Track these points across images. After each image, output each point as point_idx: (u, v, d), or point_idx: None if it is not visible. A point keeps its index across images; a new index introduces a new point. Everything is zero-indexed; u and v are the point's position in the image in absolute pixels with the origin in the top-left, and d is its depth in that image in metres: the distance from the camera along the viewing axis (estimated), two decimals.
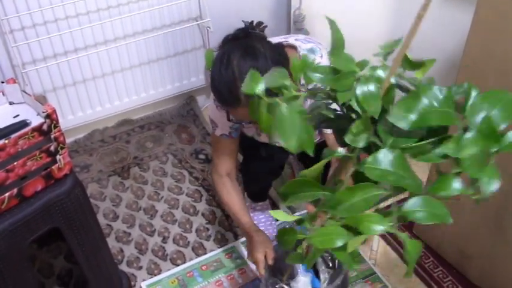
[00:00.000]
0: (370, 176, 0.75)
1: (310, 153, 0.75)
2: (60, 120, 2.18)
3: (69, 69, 2.10)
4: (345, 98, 0.76)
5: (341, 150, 0.82)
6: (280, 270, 1.40)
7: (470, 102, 0.75)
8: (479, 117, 0.73)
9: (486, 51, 1.36)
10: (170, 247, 1.87)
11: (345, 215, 0.79)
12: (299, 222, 0.93)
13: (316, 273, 1.38)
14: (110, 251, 1.62)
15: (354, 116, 0.79)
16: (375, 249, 1.84)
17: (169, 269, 1.79)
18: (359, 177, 0.78)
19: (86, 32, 2.05)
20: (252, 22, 1.36)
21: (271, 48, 1.29)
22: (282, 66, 1.30)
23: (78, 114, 2.24)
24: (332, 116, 0.84)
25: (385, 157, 0.74)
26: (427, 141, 0.75)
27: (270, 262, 1.43)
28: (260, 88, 0.78)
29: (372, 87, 0.75)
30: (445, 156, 0.74)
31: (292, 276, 1.36)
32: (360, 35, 2.15)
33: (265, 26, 1.37)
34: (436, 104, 0.72)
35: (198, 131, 2.43)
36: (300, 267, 1.36)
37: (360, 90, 0.75)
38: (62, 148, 1.29)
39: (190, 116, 2.52)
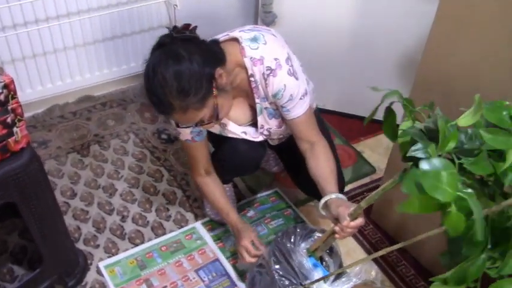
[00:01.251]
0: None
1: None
2: (18, 93, 2.13)
3: (29, 41, 2.03)
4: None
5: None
6: (287, 271, 1.39)
7: None
8: None
9: (449, 45, 1.38)
10: (129, 226, 1.85)
11: None
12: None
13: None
14: (67, 229, 1.60)
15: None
16: None
17: (127, 249, 1.77)
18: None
19: (48, 3, 1.98)
20: (175, 27, 1.36)
21: (200, 49, 1.31)
22: (215, 63, 1.34)
23: (37, 88, 2.18)
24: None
25: None
26: None
27: (260, 247, 1.53)
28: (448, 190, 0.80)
29: None
30: None
31: (304, 274, 1.37)
32: (328, 16, 2.17)
33: (195, 27, 1.37)
34: None
35: None
36: (308, 264, 1.38)
37: None
38: (19, 120, 1.25)
39: None
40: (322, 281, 1.35)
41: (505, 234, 0.85)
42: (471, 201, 0.80)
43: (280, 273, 1.38)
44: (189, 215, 1.91)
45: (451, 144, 0.86)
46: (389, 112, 1.01)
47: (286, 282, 1.37)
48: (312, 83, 1.74)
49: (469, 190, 0.82)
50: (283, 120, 1.53)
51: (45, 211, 1.42)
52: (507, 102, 0.87)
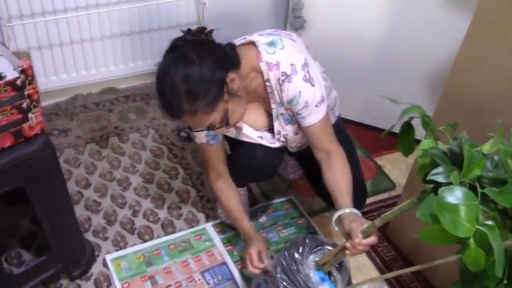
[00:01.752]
0: None
1: None
2: (43, 80, 2.16)
3: (57, 29, 2.04)
4: None
5: None
6: (294, 282, 1.35)
7: None
8: None
9: (478, 64, 1.33)
10: (139, 221, 1.84)
11: None
12: None
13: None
14: (76, 218, 1.59)
15: None
16: None
17: (135, 244, 1.76)
18: None
19: None
20: (189, 30, 1.34)
21: (213, 53, 1.29)
22: (228, 68, 1.31)
23: (62, 76, 2.19)
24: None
25: None
26: None
27: (265, 260, 1.49)
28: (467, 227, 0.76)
29: None
30: None
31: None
32: (358, 25, 2.13)
33: (211, 31, 1.36)
34: None
35: None
36: (315, 277, 1.33)
37: None
38: (35, 107, 1.24)
39: None
40: None
41: None
42: (492, 236, 0.75)
43: (286, 284, 1.34)
44: (201, 216, 1.88)
45: (476, 172, 0.81)
46: (408, 127, 0.96)
47: None
48: (336, 91, 1.70)
49: (490, 222, 0.77)
50: (299, 127, 1.50)
51: (55, 199, 1.41)
52: None
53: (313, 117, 1.42)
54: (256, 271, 1.48)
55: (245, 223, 1.62)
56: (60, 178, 1.43)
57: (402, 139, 0.98)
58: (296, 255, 1.37)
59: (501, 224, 0.83)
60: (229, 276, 1.68)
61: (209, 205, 1.92)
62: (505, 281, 0.80)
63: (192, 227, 1.84)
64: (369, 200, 2.01)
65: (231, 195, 1.65)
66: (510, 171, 0.81)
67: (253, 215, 1.89)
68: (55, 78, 2.18)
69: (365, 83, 2.25)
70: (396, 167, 2.17)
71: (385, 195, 2.05)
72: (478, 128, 1.34)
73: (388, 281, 1.70)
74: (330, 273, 1.38)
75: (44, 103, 2.25)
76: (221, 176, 1.64)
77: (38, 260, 1.53)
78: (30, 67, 1.19)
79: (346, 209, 1.34)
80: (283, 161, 1.80)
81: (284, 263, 1.37)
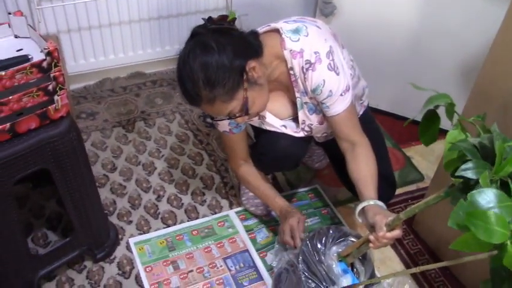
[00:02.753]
0: None
1: None
2: (72, 63, 2.17)
3: (86, 13, 2.05)
4: None
5: None
6: (315, 273, 1.34)
7: None
8: None
9: None
10: (163, 206, 1.84)
11: None
12: None
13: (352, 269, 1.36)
14: (100, 201, 1.60)
15: None
16: None
17: (158, 228, 1.76)
18: None
19: None
20: (210, 17, 1.32)
21: (233, 41, 1.28)
22: (248, 56, 1.29)
23: (90, 60, 2.20)
24: None
25: None
26: None
27: (301, 230, 1.47)
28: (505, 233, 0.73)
29: None
30: None
31: (332, 279, 1.32)
32: (390, 12, 2.06)
33: (234, 19, 1.34)
34: None
35: None
36: (338, 269, 1.32)
37: None
38: (60, 89, 1.25)
39: None
40: None
41: None
42: None
43: (307, 274, 1.32)
44: (224, 202, 1.88)
45: (508, 169, 0.77)
46: (432, 115, 0.92)
47: (313, 285, 1.31)
48: (365, 81, 1.66)
49: None
50: (324, 116, 1.47)
51: (79, 182, 1.42)
52: None
53: (338, 106, 1.39)
54: (291, 242, 1.47)
55: (279, 199, 1.60)
56: (85, 161, 1.43)
57: (425, 127, 0.94)
58: (319, 245, 1.35)
59: None
60: (251, 264, 1.67)
61: (233, 192, 1.91)
62: None
63: (215, 213, 1.83)
64: (396, 191, 1.97)
65: (258, 178, 1.64)
66: None
67: None
68: (83, 61, 2.19)
69: (396, 73, 2.20)
70: (425, 158, 2.11)
71: (412, 187, 2.00)
72: (510, 123, 1.28)
73: (413, 275, 1.66)
74: (352, 265, 1.36)
75: (73, 86, 2.28)
76: (246, 162, 1.63)
77: (63, 241, 1.55)
78: (56, 49, 1.19)
79: (371, 201, 1.31)
80: (308, 151, 1.77)
81: (306, 253, 1.35)
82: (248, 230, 1.78)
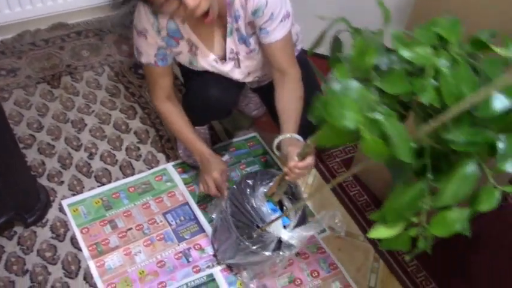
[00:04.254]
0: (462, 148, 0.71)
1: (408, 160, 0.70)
2: None
3: None
4: (432, 99, 0.71)
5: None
6: (245, 215, 1.34)
7: None
8: None
9: None
10: (96, 164, 1.76)
11: (456, 202, 0.74)
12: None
13: (281, 209, 1.36)
14: (26, 163, 1.51)
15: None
16: (310, 183, 1.79)
17: (92, 187, 1.69)
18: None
19: None
20: None
21: None
22: None
23: (4, 12, 2.02)
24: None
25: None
26: None
27: (225, 181, 1.46)
28: (351, 120, 0.69)
29: None
30: None
31: (262, 219, 1.32)
32: None
33: None
34: None
35: None
36: (266, 208, 1.31)
37: (499, 103, 0.67)
38: None
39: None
40: (281, 226, 1.29)
41: (447, 161, 0.75)
42: (384, 121, 0.69)
43: (237, 218, 1.32)
44: (161, 156, 1.81)
45: (369, 60, 0.73)
46: (336, 42, 0.88)
47: (240, 224, 1.32)
48: (299, 25, 1.61)
49: (381, 110, 0.71)
50: (254, 51, 1.41)
51: (1, 146, 1.32)
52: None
53: (277, 33, 1.34)
54: (215, 193, 1.46)
55: (200, 144, 1.51)
56: (3, 122, 1.33)
57: (335, 56, 0.88)
58: (248, 190, 1.34)
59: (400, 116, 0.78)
60: (191, 217, 1.64)
61: (169, 145, 1.85)
62: (429, 175, 0.76)
63: (152, 168, 1.77)
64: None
65: (180, 118, 1.53)
66: (400, 57, 0.74)
67: (216, 153, 1.83)
68: None
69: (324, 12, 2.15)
70: None
71: None
72: None
73: (346, 207, 1.69)
74: (282, 205, 1.36)
75: None
76: (169, 99, 1.51)
77: None
78: None
79: (287, 134, 1.31)
80: (239, 98, 1.71)
81: (234, 197, 1.35)
82: (187, 183, 1.74)
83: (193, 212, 1.66)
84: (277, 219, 1.28)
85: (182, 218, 1.64)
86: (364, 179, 1.79)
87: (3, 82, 2.00)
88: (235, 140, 1.90)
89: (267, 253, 1.29)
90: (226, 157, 1.83)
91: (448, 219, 0.77)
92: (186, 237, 1.59)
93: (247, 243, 1.29)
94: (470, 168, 0.71)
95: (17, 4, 2.03)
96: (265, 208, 1.31)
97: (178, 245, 1.57)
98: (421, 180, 0.76)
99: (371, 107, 0.70)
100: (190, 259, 1.54)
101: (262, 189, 1.33)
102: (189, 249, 1.56)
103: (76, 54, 2.17)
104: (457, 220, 0.76)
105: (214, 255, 1.53)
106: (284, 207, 1.36)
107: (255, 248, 1.28)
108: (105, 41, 2.24)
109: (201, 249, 1.56)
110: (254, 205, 1.31)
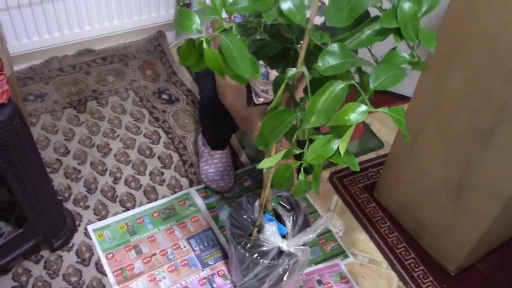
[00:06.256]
0: (328, 73, 0.79)
1: (259, 77, 0.84)
2: (14, 43, 2.05)
3: None
4: (271, 16, 0.79)
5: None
6: (242, 229, 1.37)
7: None
8: None
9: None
10: (121, 188, 1.78)
11: (325, 121, 0.80)
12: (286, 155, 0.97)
13: (279, 220, 1.38)
14: (53, 188, 1.54)
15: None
16: (332, 209, 1.79)
17: (117, 212, 1.71)
18: (317, 87, 0.81)
19: None
20: None
21: None
22: None
23: (33, 39, 2.08)
24: (268, 39, 0.89)
25: (333, 52, 0.79)
26: (359, 27, 0.81)
27: None
28: (196, 24, 0.78)
29: None
30: (380, 33, 0.80)
31: (259, 229, 1.35)
32: None
33: None
34: None
35: (164, 69, 2.30)
36: (263, 219, 1.33)
37: (285, 5, 0.78)
38: None
39: (157, 52, 2.37)
40: (277, 235, 1.31)
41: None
42: (222, 36, 0.77)
43: (235, 230, 1.36)
44: (184, 181, 1.83)
45: None
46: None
47: (237, 233, 1.37)
48: None
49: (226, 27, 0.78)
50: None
51: (28, 170, 1.35)
52: None
53: None
54: None
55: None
56: (32, 147, 1.36)
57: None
58: (247, 204, 1.40)
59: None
60: (215, 242, 1.65)
61: (192, 170, 1.87)
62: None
63: (176, 192, 1.79)
64: (356, 160, 1.97)
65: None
66: None
67: (238, 179, 1.84)
68: (27, 40, 2.06)
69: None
70: (384, 125, 2.12)
71: (372, 155, 2.01)
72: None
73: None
74: (279, 216, 1.38)
75: (17, 67, 2.15)
76: None
77: (16, 232, 1.48)
78: None
79: None
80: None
81: (234, 212, 1.40)
82: (210, 207, 1.75)
83: (216, 237, 1.66)
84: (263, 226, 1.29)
85: (206, 244, 1.64)
86: (385, 202, 1.78)
87: (31, 107, 2.05)
88: (257, 165, 1.91)
89: (266, 261, 1.30)
90: (249, 182, 1.84)
91: (318, 145, 0.85)
92: (210, 263, 1.59)
93: (243, 252, 1.31)
94: (338, 85, 0.79)
95: (45, 31, 2.08)
96: (262, 218, 1.33)
97: (202, 270, 1.57)
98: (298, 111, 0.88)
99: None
100: (214, 285, 1.54)
101: (257, 203, 1.36)
102: (213, 275, 1.56)
103: (102, 79, 2.21)
104: (327, 145, 0.85)
105: (232, 282, 1.54)
106: (281, 218, 1.38)
107: (254, 257, 1.30)
108: (130, 66, 2.29)
109: (225, 276, 1.57)
110: (251, 216, 1.35)
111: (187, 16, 0.78)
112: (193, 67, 0.84)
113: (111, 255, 1.59)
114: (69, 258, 1.57)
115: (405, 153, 1.61)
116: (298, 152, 0.94)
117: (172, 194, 1.78)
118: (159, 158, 1.90)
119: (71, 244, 1.61)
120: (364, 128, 2.10)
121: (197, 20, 0.78)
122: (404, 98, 2.11)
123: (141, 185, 1.80)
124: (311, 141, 0.89)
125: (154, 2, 2.22)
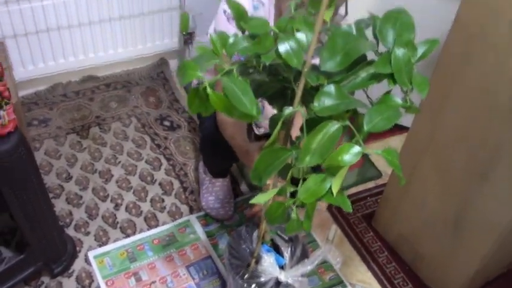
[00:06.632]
0: (324, 113, 0.81)
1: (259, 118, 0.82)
2: (20, 69, 2.09)
3: (33, 16, 1.96)
4: (269, 58, 0.82)
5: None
6: (241, 259, 1.37)
7: (377, 28, 0.83)
8: (390, 36, 0.82)
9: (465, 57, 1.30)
10: (122, 215, 1.80)
11: (320, 160, 0.82)
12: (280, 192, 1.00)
13: (277, 250, 1.38)
14: (55, 214, 1.55)
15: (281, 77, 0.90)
16: (331, 238, 1.81)
17: (118, 238, 1.72)
18: (313, 126, 0.83)
19: None
20: None
21: None
22: None
23: (39, 65, 2.12)
24: (267, 80, 0.92)
25: (329, 93, 0.81)
26: (355, 70, 0.83)
27: None
28: (200, 72, 0.81)
29: (292, 43, 0.81)
30: (374, 77, 0.82)
31: (257, 260, 1.35)
32: None
33: None
34: (352, 39, 0.81)
35: (166, 96, 2.34)
36: (261, 250, 1.33)
37: (282, 48, 0.80)
38: (6, 104, 1.19)
39: (160, 79, 2.41)
40: (275, 265, 1.31)
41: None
42: (224, 78, 0.80)
43: (233, 261, 1.36)
44: (184, 208, 1.85)
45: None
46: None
47: (236, 263, 1.37)
48: None
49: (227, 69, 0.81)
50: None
51: (31, 196, 1.37)
52: None
53: None
54: None
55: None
56: (36, 174, 1.38)
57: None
58: (246, 234, 1.40)
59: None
60: (214, 271, 1.66)
61: (193, 197, 1.89)
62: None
63: (176, 219, 1.81)
64: (354, 190, 1.99)
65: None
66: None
67: (238, 207, 1.86)
68: (32, 67, 2.10)
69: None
70: None
71: (371, 184, 2.03)
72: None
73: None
74: (278, 247, 1.38)
75: (22, 93, 2.19)
76: None
77: (17, 258, 1.49)
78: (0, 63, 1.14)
79: None
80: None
81: (233, 241, 1.40)
82: (209, 235, 1.77)
83: (215, 265, 1.67)
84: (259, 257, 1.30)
85: (205, 272, 1.65)
86: (383, 232, 1.80)
87: (35, 132, 2.08)
88: (258, 193, 1.93)
89: None
90: (248, 210, 1.86)
91: (311, 183, 0.87)
92: None
93: (241, 282, 1.32)
94: (333, 126, 0.81)
95: (50, 58, 2.12)
96: (260, 249, 1.33)
97: None
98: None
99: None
100: None
101: (255, 234, 1.37)
102: None
103: (105, 105, 2.25)
104: (319, 184, 0.86)
105: None
106: (280, 249, 1.38)
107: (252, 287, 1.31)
108: (132, 93, 2.32)
109: None
110: (250, 246, 1.36)
111: (190, 67, 0.80)
112: (203, 113, 0.86)
113: (111, 282, 1.60)
114: (69, 284, 1.58)
115: (402, 187, 1.63)
116: (292, 190, 0.95)
117: (173, 220, 1.80)
118: (160, 184, 1.93)
119: (71, 270, 1.62)
120: (363, 158, 2.12)
121: (198, 68, 0.80)
122: (402, 128, 2.14)
123: (141, 211, 1.82)
124: (305, 179, 0.91)
125: (158, 31, 2.27)
